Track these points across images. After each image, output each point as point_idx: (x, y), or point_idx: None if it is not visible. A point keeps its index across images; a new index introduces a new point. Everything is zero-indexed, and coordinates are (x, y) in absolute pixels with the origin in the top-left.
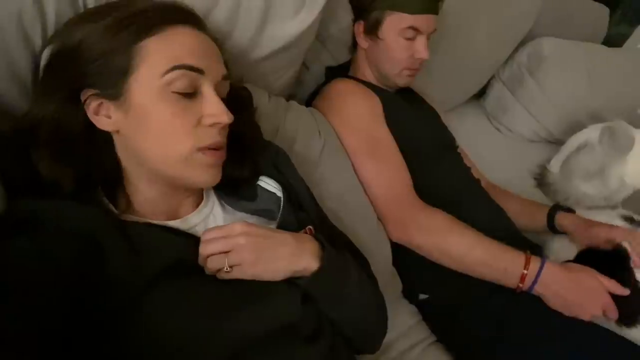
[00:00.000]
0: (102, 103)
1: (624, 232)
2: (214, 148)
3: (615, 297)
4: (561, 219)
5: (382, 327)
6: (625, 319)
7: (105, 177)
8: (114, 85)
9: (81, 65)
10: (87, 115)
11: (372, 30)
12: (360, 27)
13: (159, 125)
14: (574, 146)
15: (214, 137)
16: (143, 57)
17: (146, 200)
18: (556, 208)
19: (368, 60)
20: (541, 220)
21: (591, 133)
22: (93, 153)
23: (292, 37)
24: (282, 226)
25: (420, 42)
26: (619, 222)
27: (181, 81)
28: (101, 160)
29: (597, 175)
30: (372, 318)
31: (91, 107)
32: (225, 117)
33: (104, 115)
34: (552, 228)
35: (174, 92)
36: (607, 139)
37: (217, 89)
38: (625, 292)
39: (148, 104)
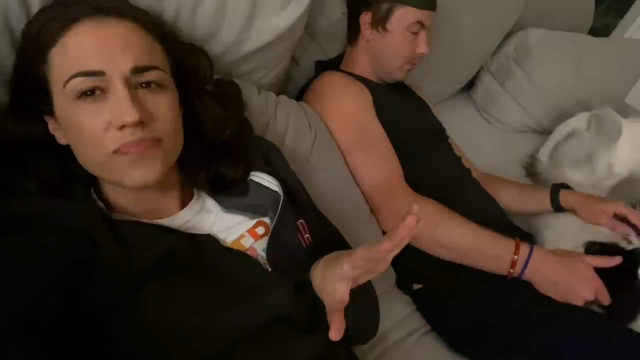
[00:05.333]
0: (50, 119)
1: (629, 208)
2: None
3: (614, 296)
4: (566, 196)
5: (377, 321)
6: (626, 317)
7: (81, 181)
8: (45, 102)
9: (23, 86)
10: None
11: (381, 22)
12: (367, 17)
13: (76, 136)
14: (562, 134)
15: (125, 137)
16: (51, 71)
17: (124, 202)
18: (558, 187)
19: (369, 52)
20: (542, 198)
21: (579, 121)
22: (59, 161)
23: (281, 31)
24: (278, 223)
25: (422, 37)
26: None
27: (81, 88)
28: (70, 168)
29: (585, 163)
30: (371, 317)
31: (49, 123)
32: (125, 117)
33: (56, 130)
34: (557, 206)
35: (79, 100)
36: (594, 127)
37: (129, 83)
38: (613, 262)
39: (65, 117)
